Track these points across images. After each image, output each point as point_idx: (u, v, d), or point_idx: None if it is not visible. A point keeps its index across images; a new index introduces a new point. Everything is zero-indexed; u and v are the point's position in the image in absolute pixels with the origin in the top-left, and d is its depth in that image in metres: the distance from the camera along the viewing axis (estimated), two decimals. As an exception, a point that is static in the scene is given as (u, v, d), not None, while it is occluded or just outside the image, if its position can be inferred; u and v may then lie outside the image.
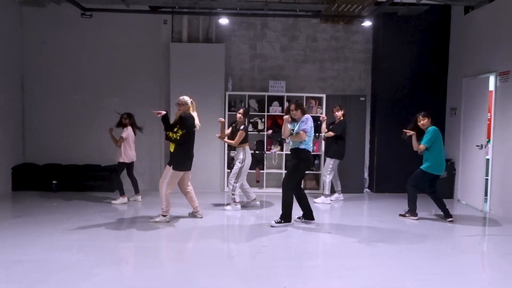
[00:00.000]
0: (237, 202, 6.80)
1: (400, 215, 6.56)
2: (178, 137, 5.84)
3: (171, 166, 5.93)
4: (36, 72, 8.42)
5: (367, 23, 8.19)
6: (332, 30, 8.79)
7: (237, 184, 6.72)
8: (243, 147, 6.74)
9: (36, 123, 8.47)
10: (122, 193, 7.18)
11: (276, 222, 5.87)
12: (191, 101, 6.03)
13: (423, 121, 6.35)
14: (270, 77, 8.72)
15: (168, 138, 5.95)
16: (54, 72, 8.45)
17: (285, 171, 6.18)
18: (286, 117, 5.92)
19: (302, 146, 5.82)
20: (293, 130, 5.88)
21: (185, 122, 5.85)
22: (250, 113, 8.43)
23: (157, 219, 5.96)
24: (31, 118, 8.47)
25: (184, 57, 8.27)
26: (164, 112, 6.01)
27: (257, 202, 7.10)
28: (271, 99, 8.43)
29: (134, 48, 8.50)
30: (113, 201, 7.14)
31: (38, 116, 8.46)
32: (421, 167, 6.34)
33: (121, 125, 7.16)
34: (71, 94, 8.47)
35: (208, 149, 8.11)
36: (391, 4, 7.22)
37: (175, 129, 5.87)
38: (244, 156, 6.71)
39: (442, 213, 6.46)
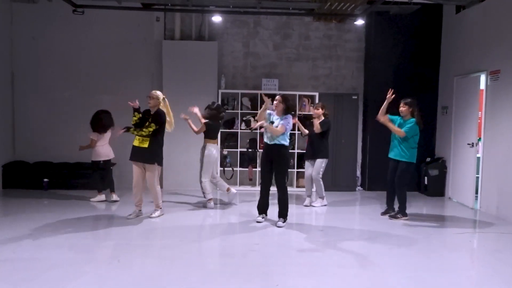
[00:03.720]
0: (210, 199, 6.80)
1: (391, 216, 6.42)
2: (150, 132, 5.78)
3: (153, 163, 5.86)
4: (26, 69, 8.33)
5: (360, 22, 8.20)
6: (325, 28, 8.80)
7: (205, 180, 6.70)
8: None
9: (27, 121, 8.37)
10: (112, 190, 7.17)
11: (283, 222, 5.84)
12: (163, 98, 5.97)
13: (403, 108, 6.21)
14: (263, 75, 8.71)
15: (139, 134, 5.80)
16: (45, 69, 8.36)
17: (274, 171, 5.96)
18: (269, 100, 5.77)
19: (286, 143, 5.82)
20: (272, 123, 5.81)
21: (159, 117, 5.82)
22: (242, 111, 8.47)
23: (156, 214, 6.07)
24: (22, 115, 8.38)
25: (177, 55, 8.23)
26: (137, 104, 5.97)
27: (234, 191, 7.01)
28: (264, 97, 8.42)
29: (126, 45, 8.44)
30: (100, 197, 7.11)
31: (29, 114, 8.36)
32: (402, 160, 6.24)
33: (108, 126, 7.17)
34: (62, 91, 8.39)
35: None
36: (383, 3, 7.25)
37: (147, 124, 5.81)
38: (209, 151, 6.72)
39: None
